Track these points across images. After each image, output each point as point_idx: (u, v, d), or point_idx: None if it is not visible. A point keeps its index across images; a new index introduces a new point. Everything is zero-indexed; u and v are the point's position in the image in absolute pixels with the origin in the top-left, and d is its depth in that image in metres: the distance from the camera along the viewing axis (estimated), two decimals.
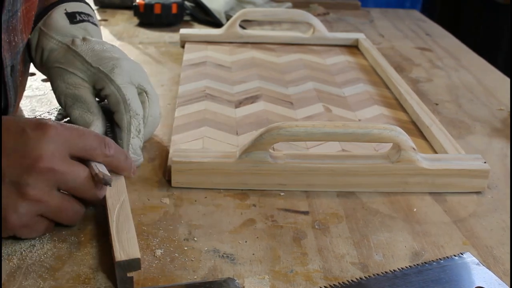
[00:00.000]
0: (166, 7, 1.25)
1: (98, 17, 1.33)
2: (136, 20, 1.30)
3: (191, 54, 1.05)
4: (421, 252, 0.54)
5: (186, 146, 0.70)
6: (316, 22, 1.14)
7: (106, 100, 0.66)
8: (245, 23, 1.27)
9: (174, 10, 1.26)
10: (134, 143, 0.63)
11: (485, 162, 0.65)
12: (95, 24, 0.73)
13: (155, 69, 1.00)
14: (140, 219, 0.57)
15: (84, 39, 0.68)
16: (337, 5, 1.54)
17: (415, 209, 0.61)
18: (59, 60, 0.67)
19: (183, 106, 0.82)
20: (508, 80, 1.03)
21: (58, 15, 0.70)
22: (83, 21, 0.71)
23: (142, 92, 0.66)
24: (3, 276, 0.48)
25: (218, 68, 0.98)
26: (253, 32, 1.16)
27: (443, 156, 0.66)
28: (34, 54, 0.71)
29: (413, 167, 0.63)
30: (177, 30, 1.16)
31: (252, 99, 0.86)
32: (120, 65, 0.65)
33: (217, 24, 1.26)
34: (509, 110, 0.89)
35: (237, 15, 1.12)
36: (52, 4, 0.72)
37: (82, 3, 0.74)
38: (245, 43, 1.12)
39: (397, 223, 0.59)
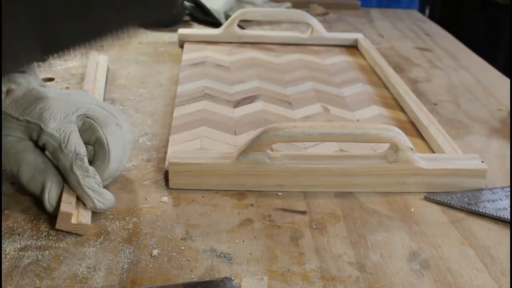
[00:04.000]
0: None
1: None
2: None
3: (190, 54, 1.05)
4: (419, 252, 0.54)
5: (184, 146, 0.70)
6: (315, 22, 1.14)
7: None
8: (245, 23, 1.27)
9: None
10: (88, 183, 0.56)
11: (482, 162, 0.65)
12: (21, 71, 0.63)
13: (154, 69, 1.00)
14: (137, 219, 0.57)
15: (8, 91, 0.60)
16: (337, 5, 1.54)
17: (412, 209, 0.61)
18: None
19: (182, 106, 0.82)
20: (508, 80, 1.02)
21: None
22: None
23: (84, 119, 0.59)
24: None
25: (217, 68, 0.98)
26: (252, 32, 1.16)
27: (440, 156, 0.66)
28: None
29: (410, 167, 0.63)
30: (176, 30, 1.16)
31: (251, 99, 0.86)
32: (48, 107, 0.58)
33: (216, 24, 1.26)
34: (508, 110, 0.89)
35: (235, 15, 1.12)
36: None
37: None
38: (244, 43, 1.12)
39: (395, 223, 0.59)
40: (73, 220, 0.53)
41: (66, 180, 0.57)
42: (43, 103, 0.58)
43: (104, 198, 0.56)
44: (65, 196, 0.55)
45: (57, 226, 0.54)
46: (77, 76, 0.94)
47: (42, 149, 0.59)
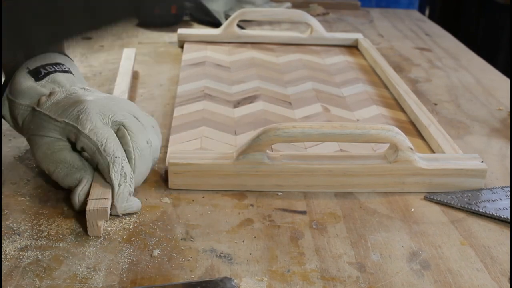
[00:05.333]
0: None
1: None
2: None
3: (190, 54, 1.05)
4: (419, 252, 0.54)
5: (184, 146, 0.70)
6: (314, 22, 1.14)
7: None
8: (245, 23, 1.27)
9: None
10: (122, 190, 0.56)
11: (482, 162, 0.65)
12: (66, 71, 0.65)
13: (154, 69, 1.00)
14: (137, 219, 0.57)
15: (50, 94, 0.62)
16: (337, 5, 1.54)
17: (412, 209, 0.61)
18: (29, 126, 0.61)
19: (182, 106, 0.82)
20: (508, 80, 1.03)
21: (21, 77, 0.63)
22: (49, 73, 0.63)
23: (119, 127, 0.59)
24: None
25: (217, 68, 0.98)
26: (251, 32, 1.16)
27: (440, 156, 0.66)
28: (13, 125, 0.65)
29: (410, 167, 0.63)
30: (176, 30, 1.16)
31: (251, 99, 0.86)
32: (86, 109, 0.59)
33: (216, 24, 1.26)
34: (509, 110, 0.89)
35: (235, 15, 1.12)
36: (15, 66, 0.64)
37: (46, 54, 0.65)
38: (244, 43, 1.12)
39: (395, 223, 0.59)
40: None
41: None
42: (81, 105, 0.60)
43: (130, 206, 0.58)
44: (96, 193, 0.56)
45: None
46: None
47: (80, 153, 0.60)
